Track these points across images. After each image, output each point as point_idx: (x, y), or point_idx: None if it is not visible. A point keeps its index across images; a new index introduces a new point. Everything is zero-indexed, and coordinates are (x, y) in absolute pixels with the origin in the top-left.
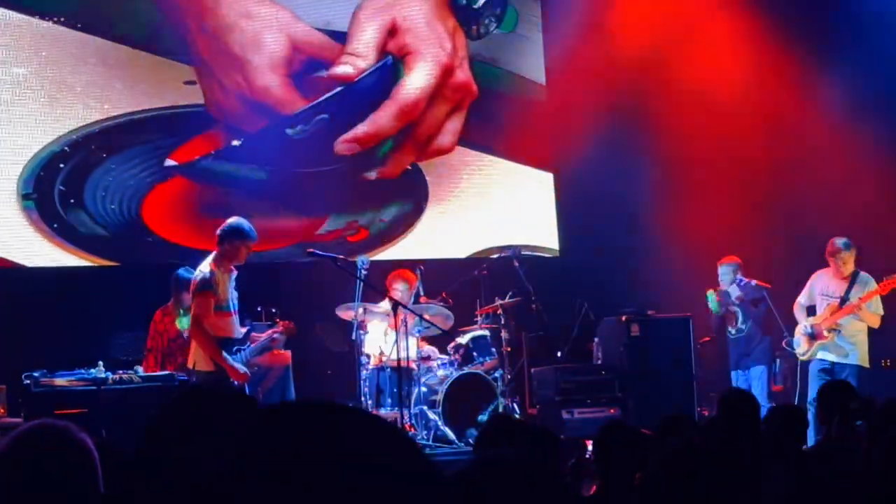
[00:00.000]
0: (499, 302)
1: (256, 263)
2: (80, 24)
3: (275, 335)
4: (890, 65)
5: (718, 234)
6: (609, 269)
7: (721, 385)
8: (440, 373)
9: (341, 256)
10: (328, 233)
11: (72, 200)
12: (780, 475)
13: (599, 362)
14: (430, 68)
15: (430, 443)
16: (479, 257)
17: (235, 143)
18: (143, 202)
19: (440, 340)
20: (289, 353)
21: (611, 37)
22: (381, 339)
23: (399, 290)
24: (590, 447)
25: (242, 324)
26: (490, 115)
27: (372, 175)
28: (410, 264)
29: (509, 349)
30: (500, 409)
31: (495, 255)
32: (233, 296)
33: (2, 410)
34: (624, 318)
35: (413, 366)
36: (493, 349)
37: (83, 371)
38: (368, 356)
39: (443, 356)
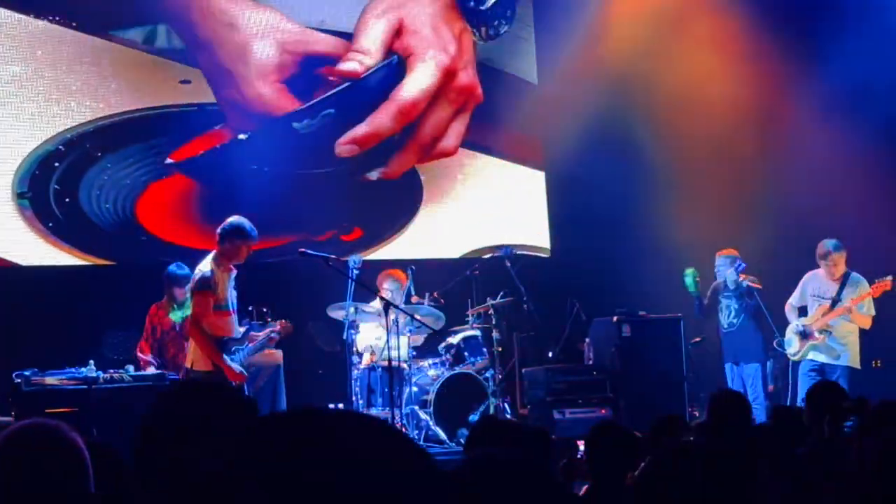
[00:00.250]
0: (490, 302)
1: (248, 262)
2: (76, 24)
3: (272, 334)
4: (880, 60)
5: (710, 234)
6: (600, 269)
7: (713, 385)
8: (431, 372)
9: (333, 256)
10: (322, 232)
11: (67, 199)
12: (774, 476)
13: (591, 362)
14: (432, 70)
15: (421, 443)
16: (471, 257)
17: (242, 136)
18: (138, 201)
19: (431, 340)
20: (280, 352)
21: (602, 37)
22: (373, 338)
23: (389, 289)
24: (581, 447)
25: (241, 324)
26: (483, 115)
27: (373, 176)
28: (402, 264)
29: (500, 349)
30: (492, 410)
31: (487, 256)
32: (232, 295)
33: None
34: (615, 318)
35: (404, 366)
36: (485, 349)
37: (74, 370)
38: (360, 356)
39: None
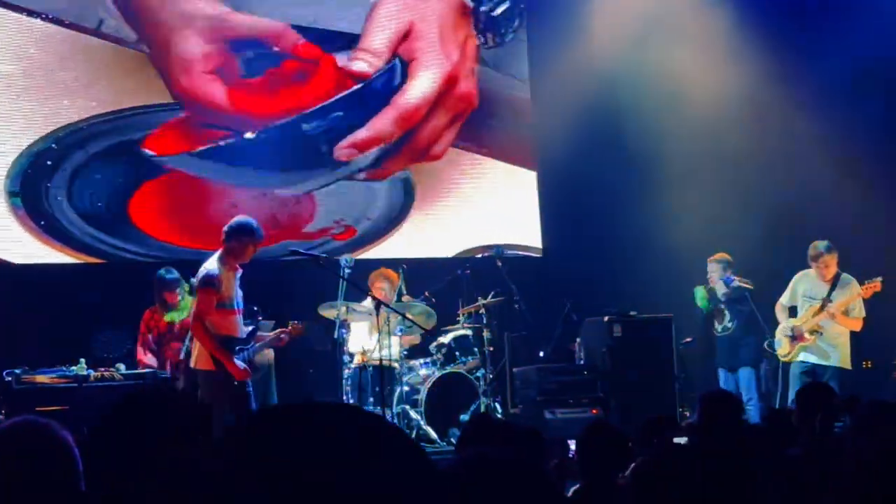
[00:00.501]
0: (481, 301)
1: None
2: (69, 22)
3: (282, 335)
4: (872, 56)
5: (701, 234)
6: (592, 269)
7: (704, 385)
8: (422, 372)
9: (324, 255)
10: (315, 231)
11: (59, 198)
12: (767, 477)
13: (582, 362)
14: (434, 77)
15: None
16: (463, 257)
17: (249, 135)
18: (130, 200)
19: (422, 339)
20: (271, 351)
21: (593, 36)
22: (364, 338)
23: (381, 289)
24: (572, 447)
25: (247, 324)
26: (475, 114)
27: (361, 176)
28: (394, 263)
29: (492, 349)
30: (483, 409)
31: (479, 255)
32: (237, 294)
33: None
34: (606, 318)
35: (395, 365)
36: (476, 349)
37: (64, 368)
38: (351, 355)
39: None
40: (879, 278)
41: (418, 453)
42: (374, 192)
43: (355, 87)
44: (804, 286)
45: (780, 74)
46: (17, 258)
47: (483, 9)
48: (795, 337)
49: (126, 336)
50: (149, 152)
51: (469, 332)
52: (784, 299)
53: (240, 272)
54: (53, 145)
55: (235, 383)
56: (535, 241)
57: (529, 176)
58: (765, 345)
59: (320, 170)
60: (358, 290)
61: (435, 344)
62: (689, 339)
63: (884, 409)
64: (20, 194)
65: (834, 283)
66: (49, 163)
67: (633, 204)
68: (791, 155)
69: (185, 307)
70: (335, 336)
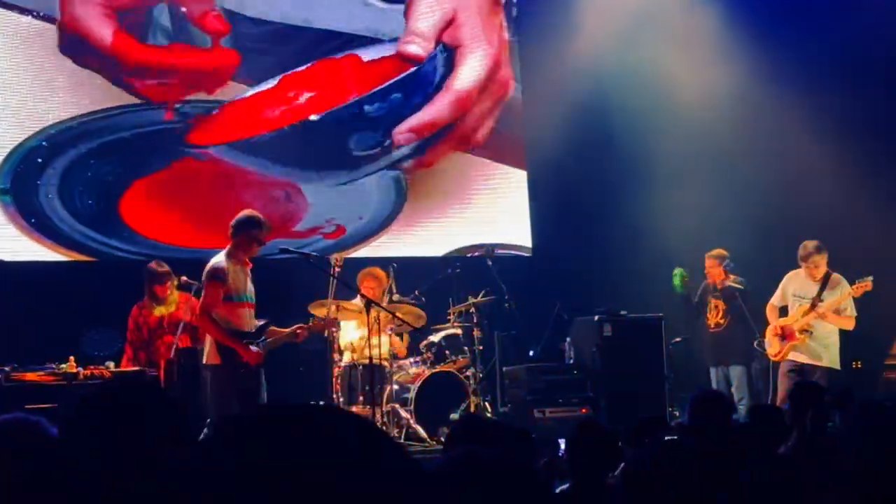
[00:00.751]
0: (472, 301)
1: None
2: (44, 13)
3: (298, 330)
4: (864, 56)
5: (692, 233)
6: (582, 268)
7: (694, 385)
8: (412, 371)
9: (314, 254)
10: (306, 230)
11: (49, 195)
12: (758, 475)
13: (571, 362)
14: (481, 62)
15: (402, 441)
16: (453, 256)
17: (314, 117)
18: (122, 198)
19: (413, 338)
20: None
21: (584, 36)
22: (354, 336)
23: (370, 287)
24: (562, 446)
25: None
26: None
27: (407, 165)
28: (384, 262)
29: (482, 348)
30: (472, 408)
31: (469, 255)
32: (248, 288)
33: None
34: (596, 317)
35: (385, 363)
36: (466, 348)
37: (53, 366)
38: (341, 353)
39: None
40: (870, 278)
41: (400, 451)
42: (366, 191)
43: (411, 70)
44: (794, 286)
45: (771, 73)
46: (7, 255)
47: None
48: (785, 336)
49: (116, 334)
50: (191, 144)
51: (459, 332)
52: (775, 300)
53: (249, 266)
54: (44, 143)
55: (242, 375)
56: (525, 240)
57: (520, 175)
58: (755, 344)
59: (364, 160)
60: (348, 288)
61: (425, 343)
62: (679, 339)
63: (878, 409)
64: (10, 192)
65: (824, 283)
66: (40, 160)
67: (623, 203)
68: (782, 153)
69: (173, 301)
70: (325, 335)
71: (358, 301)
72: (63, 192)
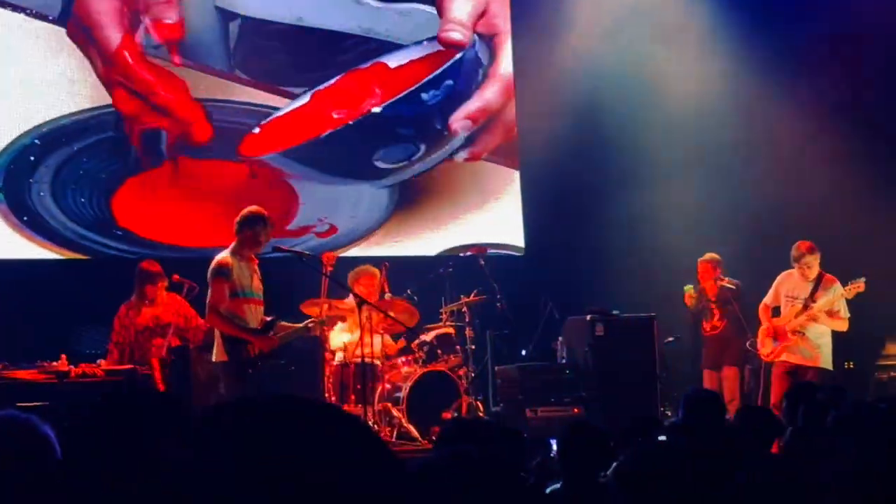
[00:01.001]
0: (464, 300)
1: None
2: (52, 17)
3: (310, 325)
4: (858, 54)
5: (685, 233)
6: (574, 267)
7: (686, 385)
8: (404, 370)
9: (307, 252)
10: (298, 228)
11: (41, 193)
12: (749, 476)
13: (563, 361)
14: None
15: (394, 440)
16: (446, 255)
17: (376, 109)
18: (114, 196)
19: (405, 338)
20: None
21: (576, 35)
22: (346, 335)
23: (366, 286)
24: (554, 446)
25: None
26: None
27: (461, 156)
28: (377, 261)
29: (474, 347)
30: (464, 408)
31: (461, 254)
32: (254, 285)
33: None
34: (588, 317)
35: (377, 362)
36: (458, 347)
37: (45, 364)
38: (333, 352)
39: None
40: (862, 279)
41: (386, 450)
42: (358, 190)
43: (457, 56)
44: (787, 286)
45: (764, 70)
46: None
47: None
48: (778, 337)
49: (108, 332)
50: (244, 156)
51: (451, 331)
52: (768, 300)
53: (256, 263)
54: (36, 141)
55: (250, 372)
56: (517, 239)
57: (512, 174)
58: (747, 345)
59: (422, 155)
60: (341, 287)
61: (417, 342)
62: (671, 339)
63: (871, 410)
64: (3, 189)
65: (816, 284)
66: (32, 158)
67: (615, 202)
68: (775, 153)
69: (161, 302)
70: (317, 333)
71: (350, 300)
72: (55, 190)
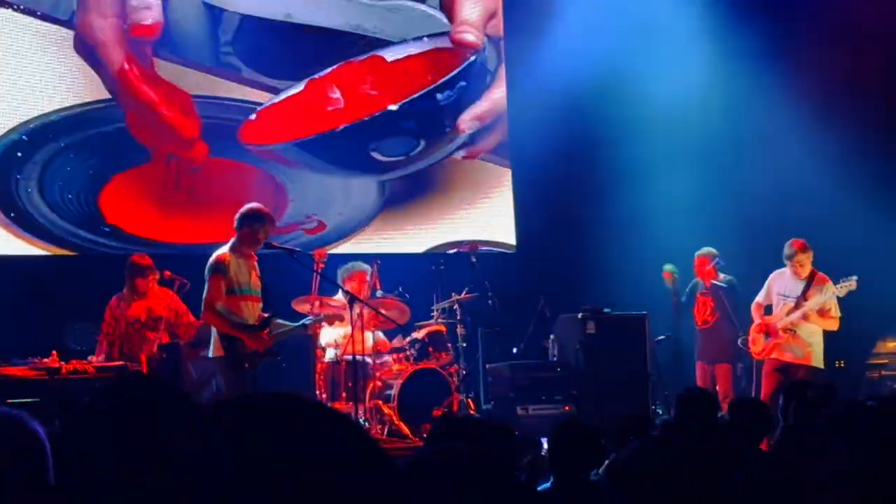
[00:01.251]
0: (455, 297)
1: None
2: (41, 13)
3: (307, 323)
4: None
5: (677, 231)
6: (566, 265)
7: (678, 383)
8: (395, 367)
9: (298, 249)
10: (286, 225)
11: (29, 189)
12: (747, 474)
13: (555, 359)
14: None
15: (385, 437)
16: (437, 252)
17: (393, 107)
18: (102, 192)
19: (396, 335)
20: None
21: (567, 32)
22: (337, 332)
23: (355, 284)
24: (545, 444)
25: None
26: None
27: (459, 155)
28: (367, 258)
29: (465, 345)
30: (455, 405)
31: (453, 251)
32: (252, 282)
33: None
34: (580, 315)
35: (368, 360)
36: (449, 344)
37: (36, 360)
38: (324, 349)
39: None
40: (855, 277)
41: (370, 443)
42: (347, 187)
43: (471, 59)
44: (779, 284)
45: (756, 66)
46: None
47: None
48: (769, 335)
49: (98, 329)
50: (247, 144)
51: (443, 328)
52: (760, 298)
53: (255, 259)
54: (24, 137)
55: (247, 367)
56: (509, 237)
57: (504, 172)
58: (739, 342)
59: (424, 152)
60: (332, 284)
61: (408, 339)
62: (662, 337)
63: (863, 409)
64: None
65: (809, 282)
66: (19, 154)
67: (607, 200)
68: (768, 151)
69: (153, 296)
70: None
71: (341, 297)
72: (43, 187)
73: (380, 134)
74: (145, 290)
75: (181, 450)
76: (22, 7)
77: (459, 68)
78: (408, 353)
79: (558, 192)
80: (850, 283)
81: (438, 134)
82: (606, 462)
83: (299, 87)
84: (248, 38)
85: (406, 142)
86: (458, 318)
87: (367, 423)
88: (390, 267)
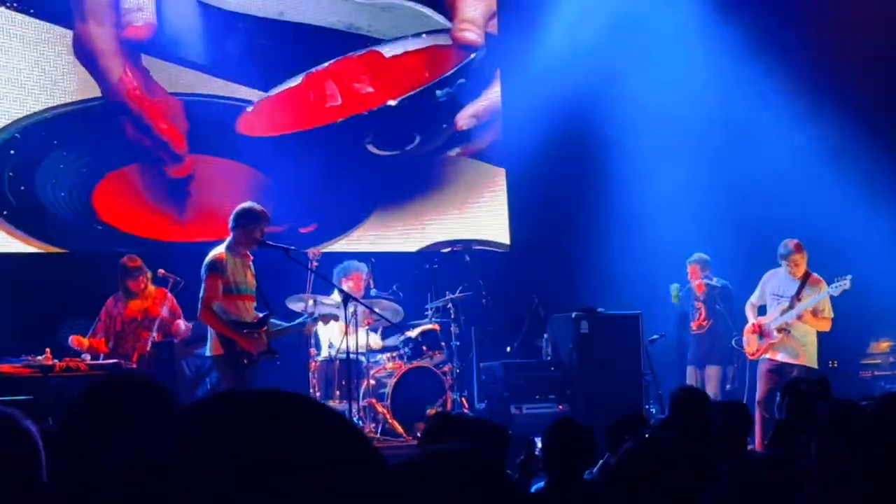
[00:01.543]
0: (449, 296)
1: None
2: (33, 10)
3: (305, 322)
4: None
5: (671, 231)
6: (560, 264)
7: (671, 383)
8: (389, 366)
9: (292, 248)
10: (280, 224)
11: (22, 187)
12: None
13: (549, 358)
14: None
15: (378, 436)
16: (431, 251)
17: (392, 102)
18: (94, 190)
19: (390, 333)
20: None
21: (562, 32)
22: (331, 331)
23: (351, 283)
24: (539, 444)
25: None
26: None
27: (454, 151)
28: (362, 257)
29: (459, 344)
30: (449, 404)
31: (446, 250)
32: (248, 281)
33: None
34: (574, 314)
35: (362, 358)
36: (443, 343)
37: (29, 358)
38: (318, 348)
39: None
40: (849, 277)
41: (364, 441)
42: (341, 185)
43: (471, 57)
44: (773, 284)
45: (752, 65)
46: None
47: None
48: (763, 335)
49: (93, 326)
50: (245, 135)
51: (437, 327)
52: (754, 298)
53: (250, 259)
54: (17, 134)
55: (244, 366)
56: (503, 236)
57: (498, 171)
58: (732, 342)
59: (422, 146)
60: (326, 282)
61: (402, 338)
62: (656, 337)
63: (857, 410)
64: None
65: (803, 282)
66: (12, 152)
67: (601, 200)
68: (763, 151)
69: (148, 296)
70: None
71: (335, 296)
72: (35, 184)
73: (377, 128)
74: (138, 291)
75: (166, 455)
76: (16, 5)
77: (460, 65)
78: (402, 351)
79: (552, 191)
80: (845, 283)
81: (433, 129)
82: (600, 461)
83: (297, 81)
84: (241, 36)
85: (402, 137)
86: (452, 316)
87: (361, 422)
88: (384, 266)
